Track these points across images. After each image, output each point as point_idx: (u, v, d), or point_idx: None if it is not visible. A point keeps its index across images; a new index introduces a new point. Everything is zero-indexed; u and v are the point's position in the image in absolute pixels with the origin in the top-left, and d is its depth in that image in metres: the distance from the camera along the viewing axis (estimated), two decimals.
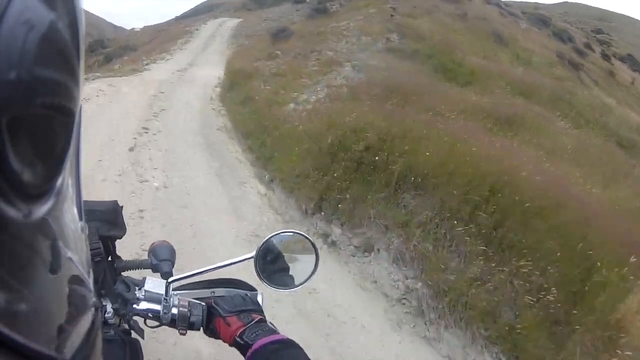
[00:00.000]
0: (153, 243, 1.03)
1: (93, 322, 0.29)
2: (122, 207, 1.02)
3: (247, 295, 0.98)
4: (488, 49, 13.04)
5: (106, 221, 0.96)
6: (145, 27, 32.42)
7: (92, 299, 0.30)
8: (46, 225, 0.22)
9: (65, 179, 0.24)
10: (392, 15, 12.35)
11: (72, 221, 0.26)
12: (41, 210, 0.22)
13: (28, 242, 0.20)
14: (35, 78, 0.19)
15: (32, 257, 0.21)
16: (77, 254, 0.27)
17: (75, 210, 0.27)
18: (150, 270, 0.98)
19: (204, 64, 12.04)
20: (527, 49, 15.44)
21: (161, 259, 0.97)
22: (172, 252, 1.01)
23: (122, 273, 1.00)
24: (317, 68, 8.54)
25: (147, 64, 11.46)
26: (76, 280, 0.27)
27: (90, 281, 0.30)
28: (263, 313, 0.94)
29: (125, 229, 1.01)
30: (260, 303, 0.97)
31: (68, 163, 0.24)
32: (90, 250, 0.84)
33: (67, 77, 0.22)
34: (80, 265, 0.28)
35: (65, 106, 0.22)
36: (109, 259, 0.97)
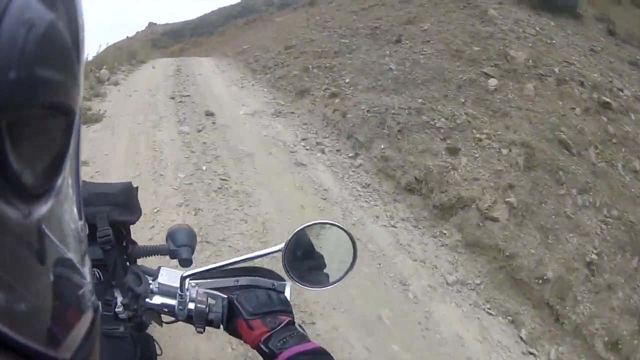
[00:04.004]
0: (171, 227, 0.93)
1: (93, 322, 0.29)
2: (136, 188, 0.94)
3: (274, 289, 0.87)
4: None
5: (118, 204, 0.87)
6: None
7: (92, 299, 0.30)
8: (46, 225, 0.22)
9: (65, 179, 0.24)
10: None
11: (72, 221, 0.26)
12: (41, 210, 0.21)
13: (28, 242, 0.20)
14: (35, 78, 0.19)
15: (32, 257, 0.21)
16: (77, 254, 0.27)
17: (75, 210, 0.27)
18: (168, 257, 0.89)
19: None
20: None
21: (180, 245, 0.88)
22: (192, 236, 0.92)
23: (138, 260, 0.93)
24: None
25: None
26: (76, 280, 0.27)
27: (90, 281, 0.30)
28: (292, 313, 0.83)
29: (140, 212, 0.92)
30: (289, 297, 0.87)
31: (68, 163, 0.24)
32: (99, 238, 0.79)
33: (67, 77, 0.22)
34: (80, 265, 0.27)
35: (65, 106, 0.22)
36: (124, 244, 0.90)
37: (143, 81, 7.85)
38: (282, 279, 0.90)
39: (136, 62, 10.01)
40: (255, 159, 4.71)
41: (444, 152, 4.61)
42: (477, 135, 4.91)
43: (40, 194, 0.22)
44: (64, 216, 0.25)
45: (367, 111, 5.38)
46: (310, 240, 0.85)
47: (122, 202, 0.88)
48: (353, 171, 4.73)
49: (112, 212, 0.85)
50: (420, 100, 5.49)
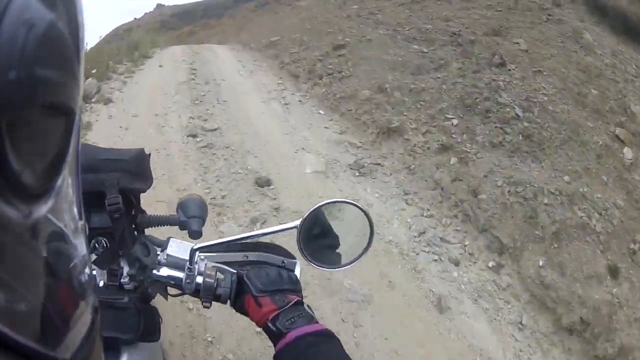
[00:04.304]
0: (182, 198, 0.91)
1: (93, 322, 0.29)
2: (149, 154, 0.92)
3: (283, 267, 0.85)
4: None
5: (129, 171, 0.84)
6: None
7: (92, 299, 0.30)
8: (46, 225, 0.22)
9: (65, 179, 0.24)
10: None
11: (72, 221, 0.26)
12: (41, 210, 0.22)
13: (28, 242, 0.20)
14: (35, 78, 0.19)
15: (32, 257, 0.21)
16: (77, 253, 0.27)
17: (75, 210, 0.27)
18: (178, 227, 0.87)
19: None
20: None
21: (190, 216, 0.87)
22: (203, 208, 0.90)
23: (146, 230, 0.90)
24: None
25: None
26: (76, 280, 0.27)
27: (90, 281, 0.30)
28: (301, 293, 0.82)
29: (152, 179, 0.90)
30: (298, 275, 0.85)
31: (68, 163, 0.24)
32: (108, 205, 0.78)
33: (67, 77, 0.22)
34: (80, 265, 0.28)
35: (65, 106, 0.22)
36: (133, 213, 0.87)
37: (146, 95, 5.51)
38: (293, 257, 0.88)
39: (139, 56, 7.75)
40: (373, 305, 2.74)
41: (608, 276, 3.45)
42: (632, 246, 3.75)
43: (40, 194, 0.22)
44: (64, 216, 0.25)
45: (508, 192, 3.69)
46: (326, 219, 0.83)
47: (134, 169, 0.86)
48: (501, 298, 3.16)
49: (123, 179, 0.82)
50: (566, 178, 4.03)
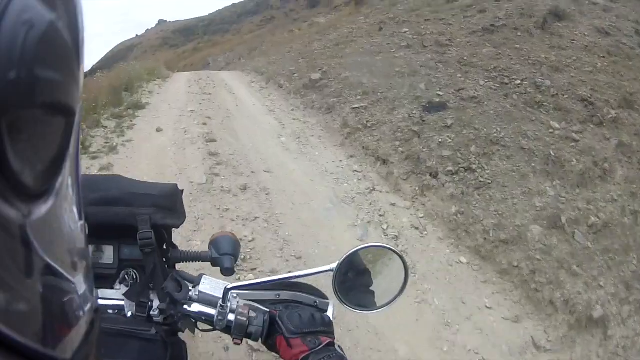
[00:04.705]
0: (214, 234, 0.91)
1: (93, 323, 0.29)
2: (182, 191, 0.93)
3: (315, 306, 0.86)
4: None
5: (162, 207, 0.85)
6: None
7: (93, 299, 0.30)
8: (46, 225, 0.22)
9: (65, 179, 0.24)
10: None
11: (72, 221, 0.26)
12: (41, 210, 0.22)
13: (28, 242, 0.20)
14: (35, 78, 0.19)
15: (32, 258, 0.21)
16: (77, 254, 0.27)
17: (75, 210, 0.27)
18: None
19: None
20: None
21: (223, 253, 0.87)
22: (236, 245, 0.90)
23: (177, 265, 0.91)
24: None
25: None
26: (76, 280, 0.27)
27: (90, 281, 0.30)
28: (333, 334, 0.82)
29: (185, 216, 0.90)
30: (331, 315, 0.85)
31: (68, 163, 0.24)
32: (140, 240, 0.79)
33: (67, 77, 0.22)
34: (81, 265, 0.28)
35: (65, 106, 0.22)
36: (164, 247, 0.88)
37: None
38: (324, 296, 0.88)
39: (128, 106, 5.44)
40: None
41: None
42: None
43: (40, 194, 0.22)
44: (64, 216, 0.25)
45: None
46: (362, 262, 0.84)
47: (166, 205, 0.87)
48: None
49: (155, 216, 0.83)
50: None
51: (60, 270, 0.24)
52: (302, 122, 5.72)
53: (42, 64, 0.20)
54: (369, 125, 4.82)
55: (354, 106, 5.27)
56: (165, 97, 6.99)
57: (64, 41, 0.22)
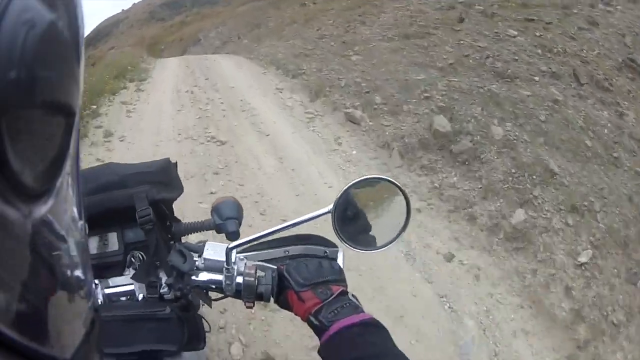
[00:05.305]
0: (216, 200, 0.88)
1: (93, 322, 0.29)
2: (175, 163, 0.91)
3: (326, 257, 0.82)
4: None
5: (157, 182, 0.85)
6: None
7: (92, 299, 0.31)
8: (46, 225, 0.22)
9: (65, 179, 0.24)
10: None
11: (72, 221, 0.26)
12: (41, 210, 0.22)
13: (28, 242, 0.21)
14: (35, 78, 0.19)
15: (32, 257, 0.21)
16: (77, 254, 0.27)
17: (75, 210, 0.27)
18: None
19: None
20: None
21: (226, 218, 0.84)
22: (238, 208, 0.87)
23: (182, 238, 0.89)
24: None
25: None
26: (76, 280, 0.27)
27: (90, 281, 0.31)
28: (344, 282, 0.78)
29: (182, 188, 0.89)
30: (341, 264, 0.81)
31: (68, 163, 0.24)
32: (139, 218, 0.78)
33: (67, 77, 0.22)
34: (81, 265, 0.28)
35: (65, 106, 0.22)
36: (167, 223, 0.87)
37: None
38: (335, 245, 0.84)
39: (89, 129, 3.73)
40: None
41: None
42: None
43: (40, 194, 0.22)
44: (64, 216, 0.25)
45: None
46: (359, 198, 0.78)
47: (161, 179, 0.86)
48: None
49: (151, 191, 0.82)
50: None
51: (60, 270, 0.24)
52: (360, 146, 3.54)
53: (42, 64, 0.19)
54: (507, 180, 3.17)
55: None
56: (144, 119, 4.18)
57: (64, 41, 0.22)
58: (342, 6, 7.74)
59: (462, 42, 5.49)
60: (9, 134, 0.18)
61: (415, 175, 3.60)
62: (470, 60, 5.09)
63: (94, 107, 4.36)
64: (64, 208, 0.24)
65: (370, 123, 4.23)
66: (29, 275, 0.21)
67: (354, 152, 3.92)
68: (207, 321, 0.90)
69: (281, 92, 5.22)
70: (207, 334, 0.87)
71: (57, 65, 0.21)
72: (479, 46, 5.31)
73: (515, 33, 5.65)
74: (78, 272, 0.27)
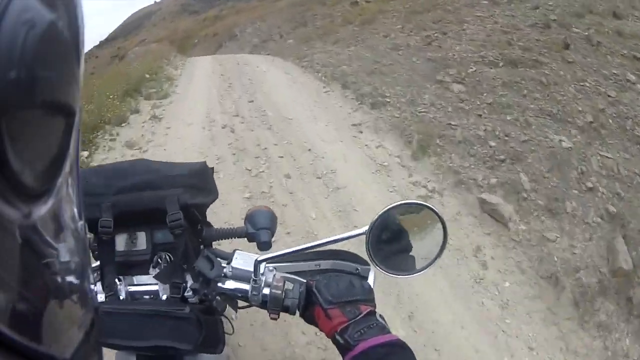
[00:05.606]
0: (250, 209, 0.87)
1: (93, 322, 0.29)
2: (212, 168, 0.90)
3: (357, 274, 0.81)
4: None
5: (190, 186, 0.83)
6: None
7: (92, 298, 0.31)
8: (46, 225, 0.22)
9: (65, 179, 0.24)
10: None
11: (72, 221, 0.26)
12: (41, 210, 0.22)
13: (28, 242, 0.21)
14: (35, 78, 0.19)
15: (32, 257, 0.21)
16: (77, 254, 0.27)
17: (75, 210, 0.27)
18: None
19: None
20: None
21: (259, 227, 0.83)
22: (273, 219, 0.86)
23: (213, 243, 0.89)
24: None
25: None
26: (75, 280, 0.27)
27: (90, 281, 0.31)
28: (373, 302, 0.76)
29: (217, 193, 0.88)
30: (372, 283, 0.80)
31: (68, 163, 0.24)
32: (170, 222, 0.78)
33: (67, 77, 0.22)
34: (81, 265, 0.28)
35: (65, 106, 0.22)
36: (199, 227, 0.86)
37: None
38: (367, 263, 0.83)
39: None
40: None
41: None
42: None
43: (40, 194, 0.22)
44: (64, 216, 0.25)
45: None
46: (396, 222, 0.77)
47: (195, 183, 0.85)
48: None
49: (183, 195, 0.82)
50: None
51: (60, 270, 0.25)
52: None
53: (42, 64, 0.19)
54: None
55: None
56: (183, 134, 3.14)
57: (64, 41, 0.21)
58: (406, 8, 6.37)
59: (584, 84, 3.94)
60: (9, 134, 0.18)
61: (588, 337, 2.24)
62: (610, 120, 3.47)
63: (85, 153, 2.78)
64: (64, 208, 0.25)
65: (523, 228, 2.61)
66: (28, 275, 0.21)
67: (507, 283, 2.37)
68: (231, 323, 0.90)
69: (361, 132, 3.51)
70: (229, 335, 0.87)
71: (57, 65, 0.21)
72: (609, 96, 3.80)
73: (634, 78, 4.23)
74: (77, 273, 0.27)
